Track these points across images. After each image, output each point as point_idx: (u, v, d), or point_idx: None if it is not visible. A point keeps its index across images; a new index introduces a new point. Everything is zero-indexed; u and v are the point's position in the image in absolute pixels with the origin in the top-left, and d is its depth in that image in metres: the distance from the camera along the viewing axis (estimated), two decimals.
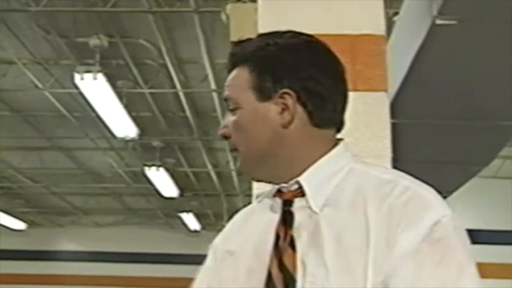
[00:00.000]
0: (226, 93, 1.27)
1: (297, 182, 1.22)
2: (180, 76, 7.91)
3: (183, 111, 8.93)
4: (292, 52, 1.23)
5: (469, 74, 3.02)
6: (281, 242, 1.19)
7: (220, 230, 1.44)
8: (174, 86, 8.14)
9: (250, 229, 1.29)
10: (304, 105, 1.22)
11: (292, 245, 1.17)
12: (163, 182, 11.24)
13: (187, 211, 14.25)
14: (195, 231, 15.72)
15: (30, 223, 16.07)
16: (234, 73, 1.27)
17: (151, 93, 8.51)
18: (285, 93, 1.22)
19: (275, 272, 1.17)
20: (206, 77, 7.74)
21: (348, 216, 1.16)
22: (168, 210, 14.67)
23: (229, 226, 1.39)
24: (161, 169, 10.62)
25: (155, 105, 8.91)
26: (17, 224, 15.49)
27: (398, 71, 3.11)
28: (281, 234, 1.19)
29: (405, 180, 1.19)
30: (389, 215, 1.13)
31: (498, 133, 3.82)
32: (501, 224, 10.54)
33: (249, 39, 1.29)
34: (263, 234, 1.23)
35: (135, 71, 7.84)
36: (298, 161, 1.23)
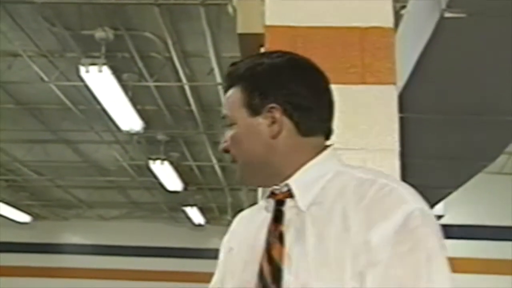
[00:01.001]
0: (224, 111, 1.45)
1: (287, 185, 1.36)
2: (185, 70, 7.89)
3: (188, 104, 8.91)
4: (276, 71, 1.38)
5: (477, 68, 2.99)
6: (271, 237, 1.32)
7: (224, 224, 1.51)
8: (179, 80, 8.12)
9: (247, 227, 1.44)
10: (290, 117, 1.36)
11: (281, 239, 1.31)
12: (168, 176, 11.23)
13: (191, 205, 14.24)
14: (199, 225, 15.72)
15: (35, 216, 16.10)
16: (229, 92, 1.44)
17: (156, 86, 8.49)
18: (272, 107, 1.36)
19: (265, 264, 1.30)
20: (211, 70, 7.72)
21: (330, 214, 1.28)
22: (172, 204, 14.67)
23: (234, 224, 1.55)
24: (166, 163, 10.60)
25: (160, 99, 8.89)
26: (22, 217, 15.51)
27: (405, 66, 3.08)
28: (272, 230, 1.34)
29: (384, 179, 1.29)
30: (367, 210, 1.24)
31: (505, 129, 3.79)
32: (506, 220, 10.52)
33: (242, 61, 1.45)
34: (258, 231, 1.37)
35: (140, 64, 7.82)
36: (288, 166, 1.37)
